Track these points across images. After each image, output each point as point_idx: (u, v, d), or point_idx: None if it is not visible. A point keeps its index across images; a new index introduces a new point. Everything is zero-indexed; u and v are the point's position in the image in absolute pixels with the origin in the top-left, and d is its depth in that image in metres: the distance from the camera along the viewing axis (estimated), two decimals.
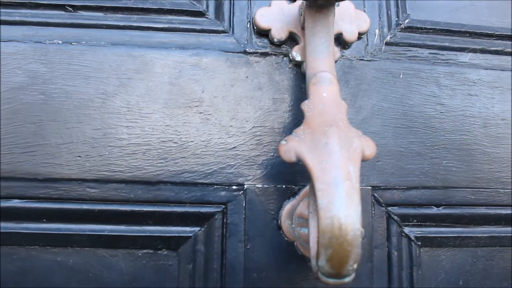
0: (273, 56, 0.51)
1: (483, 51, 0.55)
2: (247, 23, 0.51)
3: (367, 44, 0.53)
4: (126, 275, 0.47)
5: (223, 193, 0.48)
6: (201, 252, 0.47)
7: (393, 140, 0.51)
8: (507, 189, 0.54)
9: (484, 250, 0.53)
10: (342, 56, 0.52)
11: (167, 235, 0.47)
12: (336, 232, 0.34)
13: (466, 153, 0.53)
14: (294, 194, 0.49)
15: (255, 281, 0.47)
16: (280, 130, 0.49)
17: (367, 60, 0.52)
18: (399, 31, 0.54)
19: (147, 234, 0.47)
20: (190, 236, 0.48)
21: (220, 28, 0.51)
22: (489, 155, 0.54)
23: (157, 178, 0.47)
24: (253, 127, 0.49)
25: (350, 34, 0.51)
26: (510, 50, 0.55)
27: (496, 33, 0.56)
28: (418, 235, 0.51)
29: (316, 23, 0.46)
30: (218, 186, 0.48)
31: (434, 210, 0.52)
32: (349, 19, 0.51)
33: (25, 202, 0.46)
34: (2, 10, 0.48)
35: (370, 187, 0.50)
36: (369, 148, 0.40)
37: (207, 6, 0.52)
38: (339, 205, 0.34)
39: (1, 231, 0.45)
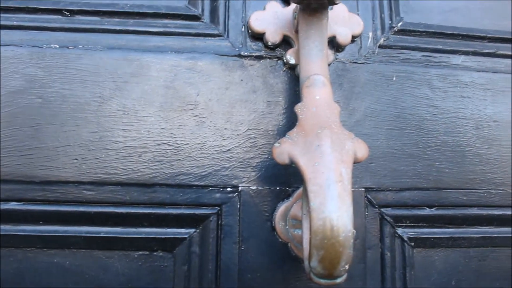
0: (268, 59, 0.48)
1: (475, 53, 0.53)
2: (242, 27, 0.49)
3: (361, 47, 0.50)
4: (122, 276, 0.45)
5: (217, 195, 0.46)
6: (196, 254, 0.45)
7: (386, 142, 0.49)
8: (499, 190, 0.51)
9: (476, 251, 0.51)
10: (336, 59, 0.49)
11: (163, 236, 0.45)
12: (328, 233, 0.33)
13: (459, 154, 0.51)
14: (288, 196, 0.46)
15: (249, 282, 0.45)
16: (274, 132, 0.47)
17: (360, 63, 0.50)
18: (393, 34, 0.51)
19: (143, 235, 0.45)
20: (185, 238, 0.45)
21: (215, 32, 0.49)
22: (481, 156, 0.51)
23: (153, 180, 0.45)
24: (247, 129, 0.47)
25: (343, 37, 0.48)
26: (502, 52, 0.53)
27: (488, 35, 0.53)
28: (411, 236, 0.49)
29: (309, 26, 0.44)
30: (213, 188, 0.46)
31: (427, 211, 0.49)
32: (342, 22, 0.49)
33: (22, 205, 0.44)
34: (1, 15, 0.46)
35: (363, 189, 0.48)
36: (362, 150, 0.38)
37: (203, 10, 0.49)
38: (331, 207, 0.33)
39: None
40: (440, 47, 0.52)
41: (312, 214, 0.33)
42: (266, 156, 0.46)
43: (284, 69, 0.48)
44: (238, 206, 0.46)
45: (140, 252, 0.45)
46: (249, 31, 0.48)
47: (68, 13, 0.48)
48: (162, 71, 0.47)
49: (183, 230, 0.45)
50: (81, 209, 0.44)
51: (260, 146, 0.47)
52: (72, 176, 0.44)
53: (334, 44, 0.48)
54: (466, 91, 0.52)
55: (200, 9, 0.49)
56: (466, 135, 0.51)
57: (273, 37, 0.48)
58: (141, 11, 0.48)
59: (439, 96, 0.51)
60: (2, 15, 0.46)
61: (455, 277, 0.50)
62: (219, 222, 0.46)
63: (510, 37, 0.53)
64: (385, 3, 0.52)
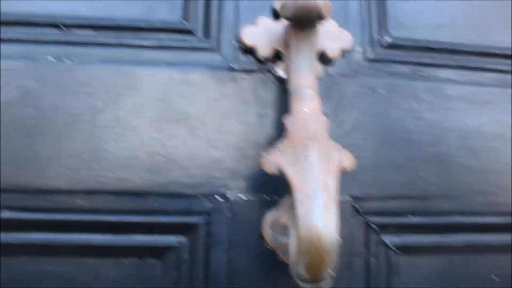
0: (258, 73, 0.46)
1: (461, 67, 0.51)
2: (234, 41, 0.47)
3: (349, 61, 0.48)
4: (113, 283, 0.43)
5: (207, 203, 0.44)
6: (186, 261, 0.43)
7: (373, 153, 0.47)
8: (482, 198, 0.49)
9: (460, 257, 0.48)
10: (325, 72, 0.47)
11: (153, 244, 0.43)
12: (314, 240, 0.32)
13: (443, 165, 0.49)
14: (276, 204, 0.44)
15: None
16: (264, 143, 0.45)
17: (349, 76, 0.48)
18: (381, 49, 0.49)
19: (134, 243, 0.43)
20: (175, 246, 0.43)
21: (208, 46, 0.47)
22: (465, 166, 0.49)
23: (144, 189, 0.43)
24: (238, 140, 0.45)
25: (333, 52, 0.46)
26: (486, 66, 0.51)
27: (473, 50, 0.51)
28: (397, 243, 0.47)
29: (299, 41, 0.42)
30: (203, 197, 0.44)
31: (411, 219, 0.47)
32: (332, 37, 0.47)
33: (16, 213, 0.42)
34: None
35: (350, 198, 0.46)
36: (348, 161, 0.38)
37: (196, 25, 0.47)
38: (317, 215, 0.33)
39: None
40: (427, 61, 0.50)
41: (298, 222, 0.33)
42: (256, 167, 0.45)
43: (274, 82, 0.46)
44: (228, 214, 0.44)
45: (131, 259, 0.43)
46: (241, 45, 0.46)
47: (64, 27, 0.46)
48: (155, 84, 0.45)
49: (173, 238, 0.44)
50: (74, 217, 0.42)
51: (250, 157, 0.45)
52: (65, 185, 0.42)
53: (323, 58, 0.46)
54: (451, 103, 0.50)
55: (193, 24, 0.48)
56: (451, 146, 0.49)
57: (264, 51, 0.46)
58: (136, 25, 0.46)
59: (425, 108, 0.49)
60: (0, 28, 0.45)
61: (440, 284, 0.48)
62: (209, 230, 0.44)
63: (494, 52, 0.51)
64: (374, 18, 0.50)
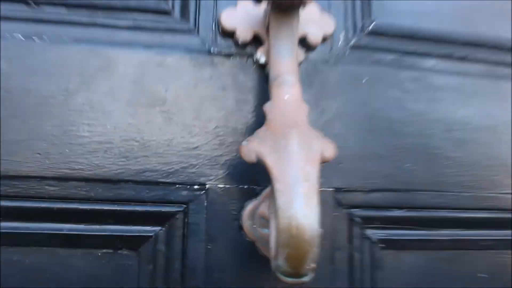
0: (238, 57, 0.59)
1: (447, 57, 0.65)
2: (213, 24, 0.59)
3: (332, 48, 0.62)
4: (85, 275, 0.53)
5: (184, 192, 0.56)
6: (162, 252, 0.55)
7: (356, 143, 0.60)
8: (469, 193, 0.63)
9: (446, 253, 0.62)
10: (306, 58, 0.60)
11: (128, 234, 0.54)
12: (294, 231, 0.40)
13: (429, 156, 0.62)
14: (256, 194, 0.56)
15: (216, 281, 0.54)
16: (243, 130, 0.57)
17: (331, 63, 0.61)
18: (364, 35, 0.63)
19: (107, 233, 0.54)
20: (151, 236, 0.55)
21: (185, 28, 0.59)
22: (452, 159, 0.63)
23: (118, 176, 0.54)
24: (216, 127, 0.57)
25: (314, 37, 0.59)
26: (473, 56, 0.65)
27: (460, 39, 0.66)
28: (381, 237, 0.60)
29: (280, 25, 0.55)
30: (180, 186, 0.55)
31: (396, 213, 0.61)
32: (314, 22, 0.60)
33: None
34: None
35: (332, 189, 0.59)
36: (329, 150, 0.47)
37: (173, 6, 0.60)
38: (297, 205, 0.41)
39: None
40: (412, 49, 0.64)
41: (278, 213, 0.41)
42: (235, 154, 0.57)
43: (254, 67, 0.59)
44: (205, 204, 0.56)
45: (104, 250, 0.54)
46: (220, 28, 0.59)
47: (33, 3, 0.57)
48: (131, 66, 0.56)
49: (148, 228, 0.55)
50: (44, 205, 0.53)
51: (228, 144, 0.57)
52: (34, 170, 0.53)
53: (305, 44, 0.59)
54: (437, 94, 0.64)
55: (170, 4, 0.60)
56: (437, 137, 0.63)
57: (243, 35, 0.58)
58: (110, 4, 0.58)
59: (410, 98, 0.63)
60: None
61: (425, 279, 0.61)
62: (186, 220, 0.55)
63: (482, 42, 0.65)
64: (358, 3, 0.63)
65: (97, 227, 0.54)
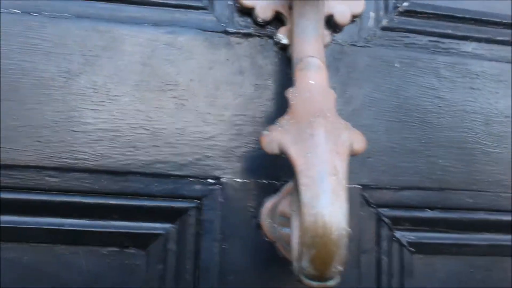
0: (257, 38, 0.70)
1: (488, 40, 0.77)
2: (230, 0, 0.70)
3: (361, 28, 0.73)
4: (88, 274, 0.64)
5: (198, 186, 0.66)
6: (173, 251, 0.66)
7: (385, 135, 0.72)
8: (509, 193, 0.75)
9: (482, 259, 0.74)
10: (333, 40, 0.71)
11: (135, 231, 0.65)
12: (320, 230, 0.47)
13: (466, 152, 0.74)
14: (276, 190, 0.67)
15: (231, 284, 0.65)
16: (262, 119, 0.68)
17: (360, 46, 0.72)
18: (397, 15, 0.75)
19: (113, 230, 0.65)
20: (160, 234, 0.66)
21: (199, 4, 0.70)
22: (491, 155, 0.75)
23: (126, 168, 0.65)
24: (232, 115, 0.68)
25: (342, 16, 0.70)
26: None
27: (503, 21, 0.77)
28: (411, 240, 0.72)
29: (305, 3, 0.66)
30: (192, 179, 0.66)
31: (428, 213, 0.72)
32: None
33: None
34: None
35: (359, 186, 0.70)
36: (359, 142, 0.56)
37: None
38: (324, 202, 0.47)
39: None
40: (449, 32, 0.75)
41: (303, 209, 0.48)
42: (253, 145, 0.68)
43: (275, 49, 0.70)
44: (221, 199, 0.67)
45: (109, 248, 0.65)
46: (237, 5, 0.70)
47: None
48: (138, 46, 0.67)
49: (158, 225, 0.66)
50: (43, 197, 0.63)
51: (246, 134, 0.68)
52: (33, 160, 0.63)
53: (331, 24, 0.70)
54: (476, 82, 0.75)
55: None
56: (475, 131, 0.75)
57: (263, 13, 0.69)
58: None
59: (446, 87, 0.74)
60: None
61: (458, 286, 0.72)
62: (199, 217, 0.66)
63: None
64: None
65: (102, 223, 0.65)
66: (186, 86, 0.67)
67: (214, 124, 0.67)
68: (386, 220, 0.71)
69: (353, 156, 0.55)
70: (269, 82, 0.69)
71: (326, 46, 0.70)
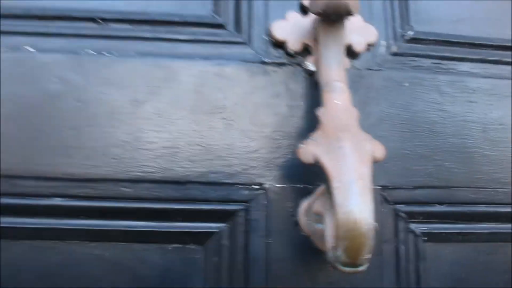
0: (289, 66, 0.72)
1: (482, 60, 0.78)
2: (264, 36, 0.73)
3: (374, 55, 0.75)
4: (158, 267, 0.67)
5: (245, 192, 0.69)
6: (226, 246, 0.68)
7: (399, 144, 0.73)
8: (505, 188, 0.76)
9: (484, 245, 0.75)
10: (352, 66, 0.74)
11: (195, 230, 0.68)
12: (351, 225, 0.51)
13: (467, 155, 0.76)
14: (309, 192, 0.69)
15: (276, 272, 0.68)
16: (296, 134, 0.71)
17: (374, 70, 0.74)
18: (404, 43, 0.77)
19: (176, 230, 0.67)
20: (215, 232, 0.68)
21: (239, 40, 0.73)
22: (488, 157, 0.76)
23: (186, 178, 0.68)
24: (271, 131, 0.70)
25: (359, 46, 0.73)
26: (505, 59, 0.79)
27: (494, 44, 0.79)
28: (424, 231, 0.73)
29: (328, 35, 0.68)
30: (241, 186, 0.69)
31: (438, 208, 0.74)
32: (358, 31, 0.73)
33: (65, 200, 0.65)
34: (39, 23, 0.69)
35: (379, 187, 0.72)
36: (379, 151, 0.59)
37: (227, 19, 0.73)
38: (354, 202, 0.52)
39: (44, 227, 0.65)
40: (448, 54, 0.77)
41: (336, 209, 0.52)
42: (289, 156, 0.70)
43: (304, 75, 0.72)
44: (264, 202, 0.69)
45: (174, 245, 0.67)
46: (271, 39, 0.72)
47: (101, 21, 0.70)
48: (192, 77, 0.70)
49: (213, 225, 0.68)
50: (120, 204, 0.66)
51: (283, 147, 0.70)
52: (110, 174, 0.66)
53: (350, 52, 0.73)
54: (473, 96, 0.77)
55: (224, 18, 0.73)
56: (474, 137, 0.76)
57: (294, 45, 0.72)
58: (170, 19, 0.72)
59: (448, 101, 0.76)
60: (40, 23, 0.69)
61: (464, 270, 0.74)
62: (247, 217, 0.68)
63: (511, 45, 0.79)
64: (397, 13, 0.77)
65: (167, 224, 0.67)
66: (232, 109, 0.70)
67: (256, 139, 0.70)
68: (402, 214, 0.73)
69: (375, 163, 0.58)
70: (300, 102, 0.72)
71: (346, 71, 0.72)
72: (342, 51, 0.68)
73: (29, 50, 0.68)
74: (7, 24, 0.68)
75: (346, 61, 0.72)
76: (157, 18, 0.72)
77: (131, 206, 0.67)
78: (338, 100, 0.64)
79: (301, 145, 0.60)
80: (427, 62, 0.77)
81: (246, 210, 0.69)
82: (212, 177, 0.68)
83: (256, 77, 0.71)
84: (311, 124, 0.70)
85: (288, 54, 0.73)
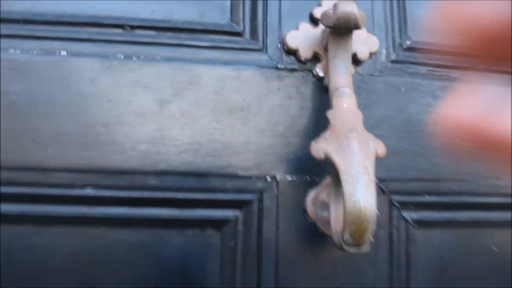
0: (300, 72, 0.68)
1: (471, 69, 0.74)
2: (278, 44, 0.68)
3: (376, 62, 0.70)
4: (179, 250, 0.63)
5: (259, 183, 0.65)
6: (241, 232, 0.64)
7: (396, 142, 0.70)
8: (487, 182, 0.73)
9: (466, 231, 0.72)
10: (356, 72, 0.69)
11: (213, 217, 0.64)
12: (358, 212, 0.51)
13: (454, 153, 0.72)
14: (316, 184, 0.66)
15: (285, 253, 0.64)
16: (306, 132, 0.66)
17: (376, 76, 0.70)
18: (402, 51, 0.72)
19: (197, 217, 0.64)
20: (232, 219, 0.64)
21: (256, 47, 0.68)
22: (473, 155, 0.72)
23: (206, 171, 0.64)
24: (284, 130, 0.66)
25: (363, 54, 0.68)
26: (489, 68, 0.74)
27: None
28: (414, 218, 0.70)
29: (337, 46, 0.64)
30: (255, 178, 0.65)
31: (427, 198, 0.70)
32: (362, 41, 0.68)
33: (97, 190, 0.61)
34: (72, 29, 0.64)
35: (377, 180, 0.68)
36: (381, 149, 0.58)
37: (244, 28, 0.68)
38: (360, 193, 0.51)
39: (76, 214, 0.61)
40: (441, 62, 0.73)
41: (345, 198, 0.52)
42: (299, 153, 0.66)
43: (313, 80, 0.68)
44: (276, 193, 0.65)
45: (194, 231, 0.64)
46: (285, 47, 0.67)
47: (129, 28, 0.65)
48: (213, 80, 0.65)
49: (230, 212, 0.64)
50: (146, 194, 0.62)
51: (294, 144, 0.66)
52: (138, 167, 0.62)
53: (355, 60, 0.68)
54: None
55: (241, 27, 0.68)
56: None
57: (305, 53, 0.67)
58: (192, 27, 0.67)
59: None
60: (73, 29, 0.64)
61: (449, 252, 0.71)
62: (260, 205, 0.65)
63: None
64: (396, 24, 0.72)
65: (189, 211, 0.64)
66: (249, 110, 0.66)
67: (271, 137, 0.66)
68: (396, 204, 0.69)
69: (378, 159, 0.57)
70: (309, 104, 0.67)
71: (352, 76, 0.68)
72: (349, 60, 0.64)
73: (62, 54, 0.63)
74: (41, 30, 0.63)
75: (351, 68, 0.68)
76: (179, 26, 0.66)
77: (156, 196, 0.63)
78: (346, 104, 0.61)
79: (313, 143, 0.57)
80: (423, 69, 0.72)
81: (260, 200, 0.65)
82: (230, 170, 0.64)
83: (271, 81, 0.67)
84: (319, 123, 0.67)
85: (300, 61, 0.68)
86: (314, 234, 0.66)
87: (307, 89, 0.68)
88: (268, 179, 0.65)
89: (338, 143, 0.56)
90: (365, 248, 0.55)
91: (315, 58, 0.68)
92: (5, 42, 0.62)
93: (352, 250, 0.54)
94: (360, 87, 0.69)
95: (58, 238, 0.61)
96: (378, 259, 0.69)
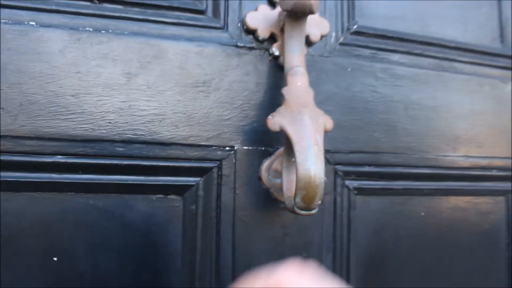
0: (258, 50, 0.76)
1: (408, 53, 0.85)
2: (238, 23, 0.75)
3: (326, 44, 0.80)
4: (144, 214, 0.70)
5: (219, 152, 0.73)
6: (201, 197, 0.72)
7: (341, 117, 0.80)
8: (417, 154, 0.85)
9: (399, 198, 0.85)
10: (308, 52, 0.78)
11: (176, 183, 0.71)
12: (308, 179, 0.59)
13: (391, 128, 0.83)
14: (270, 154, 0.75)
15: (241, 217, 0.73)
16: (262, 106, 0.75)
17: (325, 56, 0.79)
18: (349, 35, 0.82)
19: (161, 183, 0.71)
20: (193, 184, 0.72)
21: (217, 25, 0.75)
22: (407, 130, 0.84)
23: (170, 140, 0.71)
24: (242, 103, 0.74)
25: (315, 36, 0.77)
26: (427, 53, 0.86)
27: (418, 39, 0.86)
28: (355, 186, 0.81)
29: (293, 27, 0.72)
30: (215, 147, 0.73)
31: (367, 169, 0.82)
32: (315, 24, 0.77)
33: (66, 158, 0.66)
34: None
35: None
36: (329, 123, 0.67)
37: (206, 7, 0.75)
38: (311, 161, 0.60)
39: (46, 180, 0.66)
40: (383, 46, 0.83)
41: (298, 166, 0.60)
42: (256, 124, 0.74)
43: (270, 58, 0.76)
44: (234, 161, 0.74)
45: (158, 195, 0.71)
46: (244, 27, 0.75)
47: (96, 1, 0.70)
48: (177, 55, 0.72)
49: (191, 179, 0.72)
50: (114, 161, 0.68)
51: (251, 117, 0.75)
52: (107, 136, 0.68)
53: (307, 41, 0.77)
54: (399, 81, 0.84)
55: (204, 5, 0.75)
56: (397, 114, 0.84)
57: (263, 33, 0.75)
58: (157, 3, 0.72)
59: (380, 84, 0.83)
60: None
61: (384, 217, 0.83)
62: (219, 173, 0.73)
63: (432, 41, 0.86)
64: (345, 10, 0.82)
65: (153, 178, 0.71)
66: (210, 84, 0.73)
67: (230, 109, 0.74)
68: (340, 173, 0.80)
69: (326, 132, 0.66)
70: (265, 81, 0.76)
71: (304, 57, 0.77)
72: (303, 41, 0.73)
73: (31, 24, 0.67)
74: None
75: (304, 49, 0.77)
76: (145, 1, 0.72)
77: (123, 163, 0.69)
78: (299, 82, 0.69)
79: (270, 117, 0.66)
80: (366, 51, 0.83)
81: (219, 167, 0.73)
82: (193, 140, 0.72)
83: (231, 58, 0.74)
84: (273, 98, 0.75)
85: (258, 40, 0.76)
86: (268, 199, 0.75)
87: (264, 67, 0.76)
88: (227, 148, 0.74)
89: (292, 117, 0.65)
90: (314, 211, 0.63)
91: (272, 38, 0.76)
92: None
93: (303, 212, 0.63)
94: (311, 67, 0.78)
95: (28, 203, 0.66)
96: (324, 222, 0.79)
